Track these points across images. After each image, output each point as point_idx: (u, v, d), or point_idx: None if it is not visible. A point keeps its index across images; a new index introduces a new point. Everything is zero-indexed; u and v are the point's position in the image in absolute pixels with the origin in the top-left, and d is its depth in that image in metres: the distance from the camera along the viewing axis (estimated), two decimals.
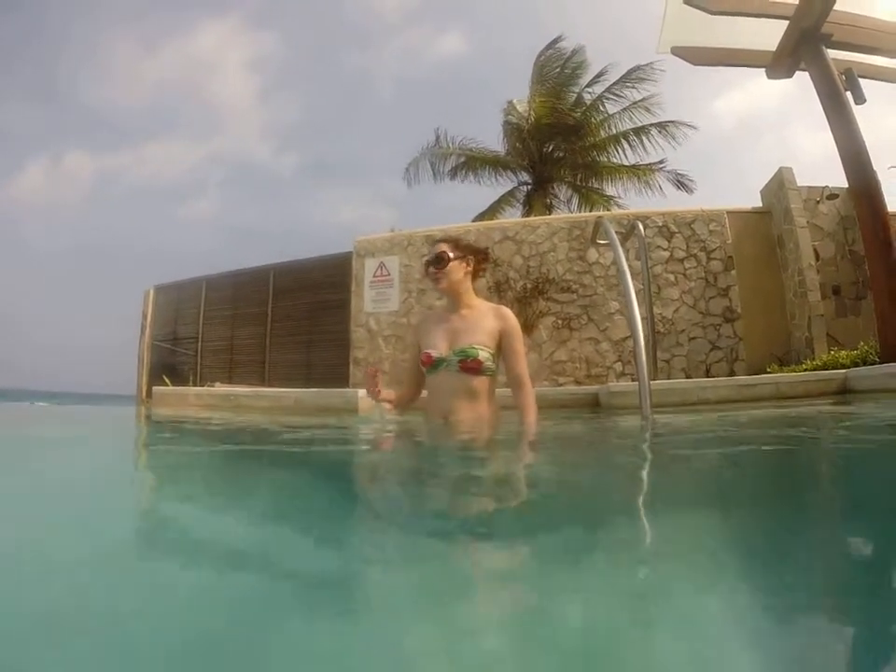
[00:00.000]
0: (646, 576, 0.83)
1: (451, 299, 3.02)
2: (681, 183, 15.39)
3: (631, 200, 16.13)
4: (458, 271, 2.97)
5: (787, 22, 6.69)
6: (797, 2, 6.40)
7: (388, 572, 0.88)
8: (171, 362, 13.05)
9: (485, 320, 2.88)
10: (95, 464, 2.01)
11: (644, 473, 1.71)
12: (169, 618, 0.67)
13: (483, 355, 2.76)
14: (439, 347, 2.86)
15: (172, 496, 1.48)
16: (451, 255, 2.97)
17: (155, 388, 7.43)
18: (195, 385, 11.57)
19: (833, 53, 6.70)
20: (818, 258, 8.36)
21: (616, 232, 8.62)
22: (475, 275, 3.07)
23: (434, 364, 2.84)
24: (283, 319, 11.99)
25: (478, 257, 3.07)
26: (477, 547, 0.99)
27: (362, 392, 5.97)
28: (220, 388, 8.22)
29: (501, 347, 2.86)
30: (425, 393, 3.04)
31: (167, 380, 11.21)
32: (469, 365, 2.76)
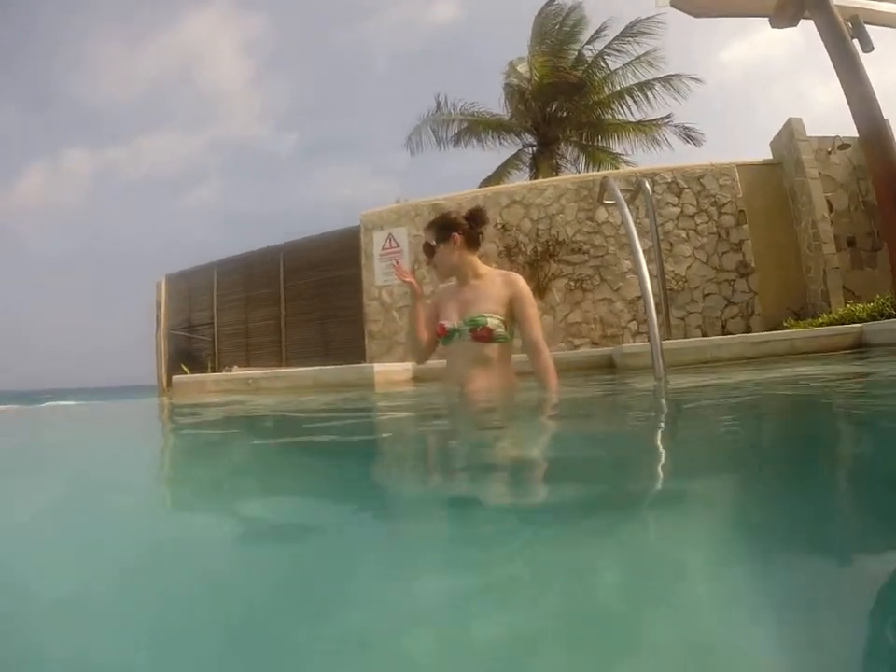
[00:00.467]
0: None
1: (457, 276, 3.00)
2: (689, 136, 15.08)
3: (639, 156, 15.83)
4: (448, 253, 2.95)
5: None
6: None
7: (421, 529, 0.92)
8: (188, 350, 13.19)
9: (494, 288, 2.86)
10: (136, 461, 2.05)
11: (656, 437, 1.73)
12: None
13: (493, 322, 2.77)
14: (451, 318, 2.88)
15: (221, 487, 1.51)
16: (433, 242, 2.97)
17: (174, 378, 7.51)
18: (214, 370, 11.70)
19: (841, 1, 6.53)
20: (831, 209, 8.24)
21: (624, 191, 8.60)
22: (472, 243, 3.00)
23: (448, 334, 2.87)
24: (296, 298, 12.05)
25: (469, 224, 2.99)
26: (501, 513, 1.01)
27: (378, 366, 6.03)
28: (238, 373, 8.30)
29: (514, 313, 2.85)
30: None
31: (185, 368, 11.33)
32: (480, 333, 2.77)
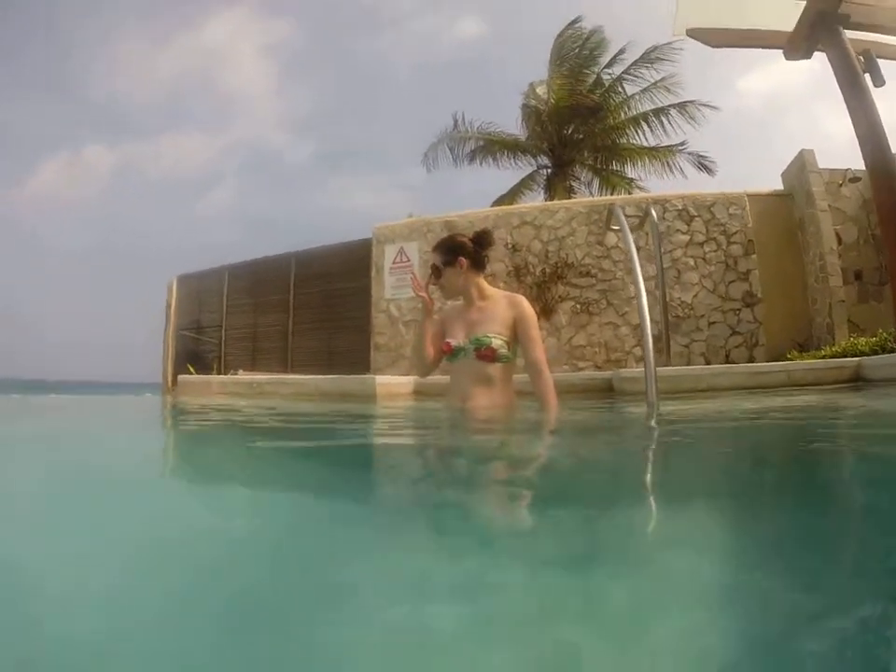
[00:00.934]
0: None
1: (463, 297, 3.06)
2: (703, 165, 15.17)
3: (652, 182, 15.95)
4: (454, 276, 3.01)
5: (804, 2, 6.60)
6: None
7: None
8: (195, 350, 13.30)
9: (500, 309, 2.92)
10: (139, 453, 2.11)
11: (639, 460, 1.78)
12: None
13: (497, 342, 2.84)
14: (457, 337, 2.95)
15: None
16: (440, 265, 3.02)
17: (180, 377, 7.60)
18: (220, 372, 11.79)
19: (851, 34, 6.60)
20: (840, 242, 8.27)
21: (633, 217, 8.72)
22: (478, 265, 3.05)
23: (453, 352, 2.94)
24: (304, 306, 12.15)
25: (475, 247, 3.05)
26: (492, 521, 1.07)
27: (380, 378, 6.10)
28: (243, 376, 8.38)
29: (517, 335, 2.91)
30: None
31: (192, 368, 11.44)
32: (484, 353, 2.84)
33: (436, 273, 3.03)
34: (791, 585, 0.72)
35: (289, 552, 0.89)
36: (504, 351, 2.86)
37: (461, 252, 3.00)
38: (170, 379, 13.11)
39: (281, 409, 4.30)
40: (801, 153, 8.79)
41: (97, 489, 1.31)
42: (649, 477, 1.52)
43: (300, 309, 12.20)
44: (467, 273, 2.99)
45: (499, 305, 2.95)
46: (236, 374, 9.16)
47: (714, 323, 8.86)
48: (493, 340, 2.84)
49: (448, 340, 2.99)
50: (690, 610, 0.67)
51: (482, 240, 3.08)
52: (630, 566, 0.83)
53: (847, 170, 8.47)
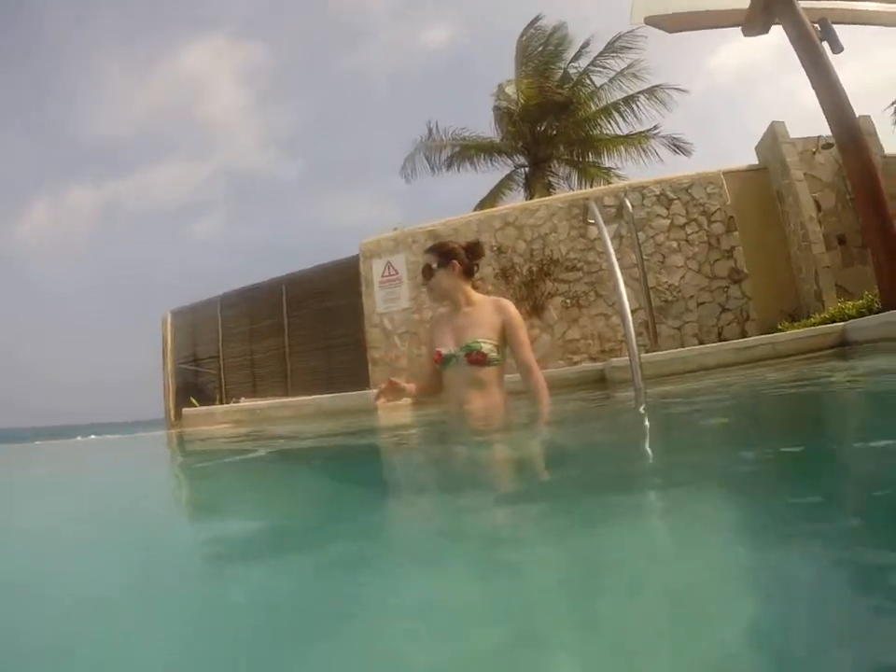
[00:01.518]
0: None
1: (450, 302, 3.18)
2: (678, 147, 15.28)
3: (629, 169, 16.01)
4: (446, 278, 3.12)
5: None
6: None
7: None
8: (195, 383, 13.36)
9: (486, 315, 3.05)
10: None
11: (627, 442, 1.88)
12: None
13: (487, 347, 2.95)
14: (447, 345, 3.06)
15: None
16: (434, 265, 3.14)
17: (184, 410, 7.65)
18: (222, 402, 11.85)
19: (809, 2, 6.67)
20: (819, 209, 8.33)
21: (611, 206, 8.78)
22: (468, 272, 3.19)
23: (445, 360, 3.06)
24: (299, 328, 12.22)
25: (467, 254, 3.18)
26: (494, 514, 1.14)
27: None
28: (245, 403, 8.45)
29: (506, 338, 3.03)
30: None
31: (194, 401, 11.49)
32: (475, 358, 2.96)
33: (428, 273, 3.15)
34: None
35: (311, 562, 0.94)
36: (494, 354, 2.97)
37: (455, 256, 3.13)
38: (172, 413, 13.18)
39: (287, 432, 4.39)
40: (772, 125, 8.86)
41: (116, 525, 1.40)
42: (633, 460, 1.60)
43: (294, 331, 12.28)
44: (457, 277, 3.11)
45: (486, 310, 3.07)
46: (238, 402, 9.22)
47: (703, 303, 8.93)
48: (482, 344, 2.95)
49: (438, 349, 3.09)
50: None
51: (473, 250, 3.22)
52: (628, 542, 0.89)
53: (818, 137, 8.53)
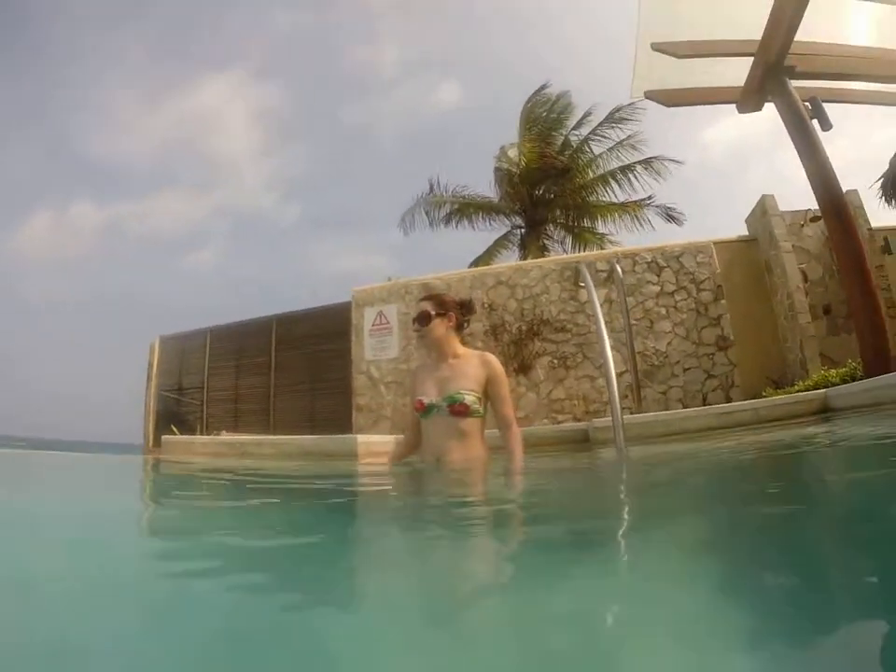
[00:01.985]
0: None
1: (437, 351, 3.22)
2: (671, 216, 15.68)
3: (622, 236, 16.38)
4: (441, 327, 3.18)
5: (751, 59, 6.94)
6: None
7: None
8: (177, 411, 13.22)
9: (471, 367, 3.08)
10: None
11: (609, 499, 1.90)
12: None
13: (470, 399, 2.97)
14: (430, 394, 3.08)
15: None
16: (433, 313, 3.19)
17: (164, 437, 7.57)
18: (202, 433, 11.73)
19: (802, 81, 6.92)
20: (806, 279, 8.51)
21: (603, 271, 8.92)
22: (459, 327, 3.26)
23: (426, 409, 3.06)
24: (286, 368, 12.21)
25: (460, 310, 3.28)
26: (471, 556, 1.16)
27: (361, 437, 6.13)
28: (226, 437, 8.38)
29: (487, 392, 3.06)
30: None
31: (175, 429, 11.38)
32: (457, 409, 2.97)
33: (425, 319, 3.18)
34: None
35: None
36: (476, 406, 2.99)
37: (452, 309, 3.23)
38: (150, 439, 13.01)
39: (264, 468, 4.36)
40: (762, 198, 9.13)
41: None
42: (603, 516, 1.63)
43: (281, 371, 12.26)
44: (450, 329, 3.19)
45: (471, 363, 3.12)
46: (220, 435, 9.14)
47: (689, 369, 9.01)
48: (465, 396, 2.97)
49: (420, 398, 3.11)
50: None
51: (467, 307, 3.35)
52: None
53: (807, 210, 8.76)
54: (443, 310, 3.21)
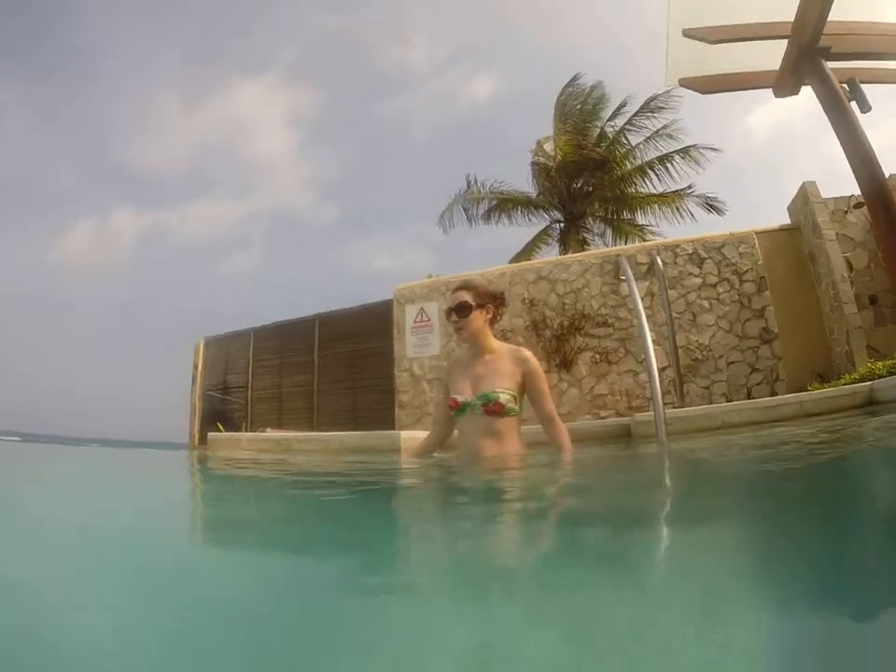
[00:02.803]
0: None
1: (473, 345, 3.16)
2: (711, 206, 15.39)
3: (663, 227, 16.17)
4: (479, 319, 3.11)
5: (787, 41, 6.79)
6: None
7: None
8: (222, 410, 13.54)
9: (506, 364, 3.03)
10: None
11: (649, 491, 1.93)
12: None
13: (505, 397, 2.92)
14: (464, 392, 3.04)
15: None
16: (472, 303, 3.11)
17: (210, 434, 7.75)
18: (246, 431, 11.98)
19: (838, 63, 6.75)
20: (851, 269, 8.28)
21: (643, 263, 8.84)
22: (493, 321, 3.20)
23: (460, 408, 3.02)
24: (329, 367, 12.38)
25: (496, 303, 3.21)
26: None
27: (405, 433, 6.22)
28: (271, 433, 8.55)
29: (526, 389, 3.02)
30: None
31: (221, 426, 11.67)
32: (492, 408, 2.92)
33: (464, 310, 3.11)
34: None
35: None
36: (512, 405, 2.94)
37: (490, 300, 3.18)
38: (196, 437, 13.38)
39: (310, 463, 4.46)
40: (803, 186, 8.91)
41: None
42: (654, 504, 1.67)
43: (324, 370, 12.44)
44: (487, 321, 3.14)
45: (505, 360, 3.06)
46: (264, 432, 9.34)
47: (733, 363, 8.88)
48: (500, 395, 2.92)
49: (454, 396, 3.07)
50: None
51: (501, 299, 3.28)
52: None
53: (850, 197, 8.51)
54: (482, 301, 3.15)
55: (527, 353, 3.11)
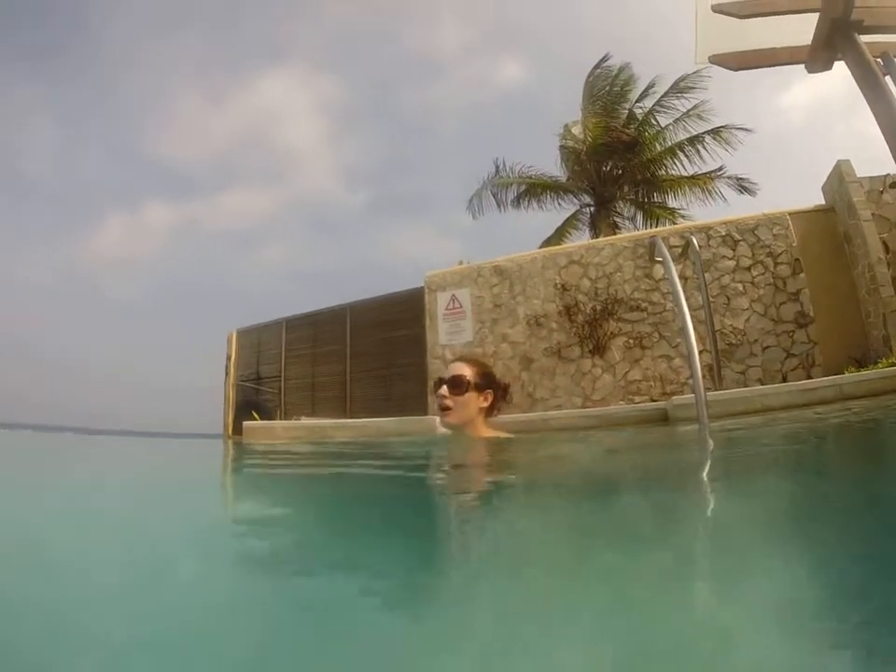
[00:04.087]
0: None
1: (458, 430, 2.68)
2: (743, 187, 15.14)
3: (695, 210, 15.94)
4: (473, 404, 2.65)
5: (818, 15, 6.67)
6: None
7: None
8: (255, 400, 13.76)
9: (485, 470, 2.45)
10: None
11: (693, 474, 1.99)
12: None
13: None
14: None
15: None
16: (471, 381, 2.64)
17: (245, 423, 7.90)
18: (282, 419, 12.19)
19: (867, 38, 6.58)
20: (887, 250, 8.09)
21: (676, 246, 8.79)
22: (490, 412, 2.71)
23: None
24: (361, 355, 12.51)
25: (498, 392, 2.75)
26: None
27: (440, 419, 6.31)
28: (306, 421, 8.71)
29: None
30: None
31: (256, 415, 11.89)
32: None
33: (459, 385, 2.63)
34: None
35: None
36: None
37: (492, 385, 2.73)
38: (230, 428, 13.64)
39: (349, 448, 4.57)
40: (837, 164, 8.71)
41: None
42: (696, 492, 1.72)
43: (356, 358, 12.58)
44: (482, 410, 2.68)
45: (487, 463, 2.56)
46: (299, 420, 9.51)
47: (768, 347, 8.80)
48: None
49: None
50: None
51: (506, 390, 2.83)
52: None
53: (886, 176, 8.32)
54: (483, 383, 2.67)
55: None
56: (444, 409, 2.62)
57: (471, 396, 2.61)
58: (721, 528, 1.22)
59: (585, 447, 3.09)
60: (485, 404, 2.65)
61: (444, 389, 2.62)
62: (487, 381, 2.69)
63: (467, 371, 2.65)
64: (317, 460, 3.47)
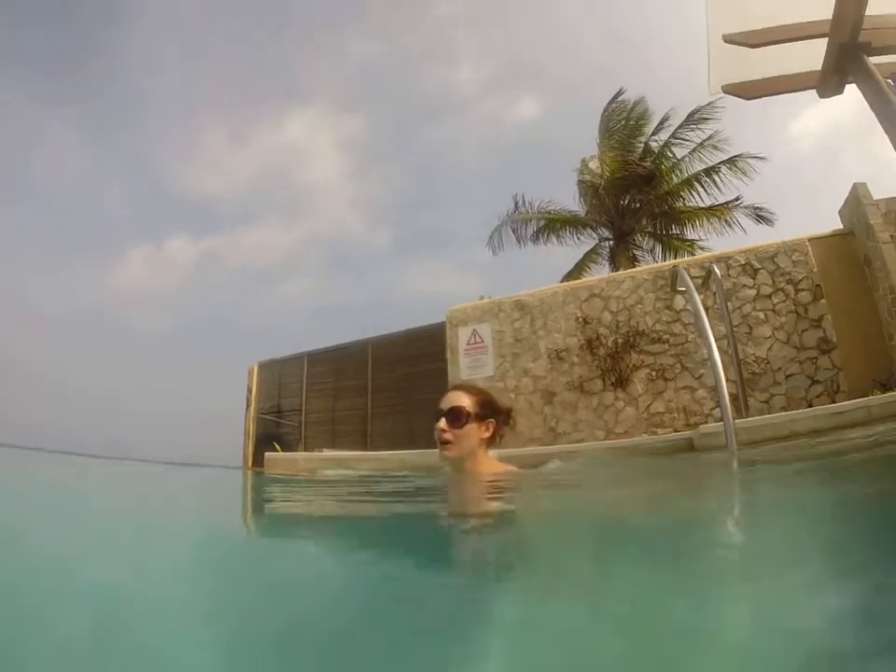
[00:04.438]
0: None
1: (457, 466, 2.57)
2: (760, 217, 15.16)
3: (713, 241, 15.95)
4: (474, 435, 2.52)
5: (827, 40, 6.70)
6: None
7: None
8: (276, 433, 13.80)
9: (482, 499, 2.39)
10: None
11: (722, 500, 2.00)
12: None
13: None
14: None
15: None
16: (470, 412, 2.51)
17: (267, 454, 7.92)
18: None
19: (881, 58, 6.61)
20: None
21: (696, 277, 8.79)
22: (492, 441, 2.60)
23: None
24: (382, 390, 12.56)
25: (500, 419, 2.64)
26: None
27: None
28: (328, 453, 8.73)
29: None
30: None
31: (277, 446, 11.93)
32: None
33: (458, 418, 2.51)
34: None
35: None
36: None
37: (494, 415, 2.60)
38: (250, 459, 13.67)
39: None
40: (854, 187, 8.67)
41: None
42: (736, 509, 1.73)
43: (378, 393, 12.63)
44: (483, 442, 2.56)
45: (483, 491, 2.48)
46: (321, 452, 9.54)
47: (792, 375, 8.69)
48: None
49: None
50: None
51: (508, 416, 2.72)
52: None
53: None
54: (485, 413, 2.55)
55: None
56: (444, 443, 2.50)
57: (472, 427, 2.49)
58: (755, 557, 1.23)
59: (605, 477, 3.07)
60: (487, 434, 2.54)
61: (443, 423, 2.50)
62: (488, 410, 2.57)
63: (465, 402, 2.53)
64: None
